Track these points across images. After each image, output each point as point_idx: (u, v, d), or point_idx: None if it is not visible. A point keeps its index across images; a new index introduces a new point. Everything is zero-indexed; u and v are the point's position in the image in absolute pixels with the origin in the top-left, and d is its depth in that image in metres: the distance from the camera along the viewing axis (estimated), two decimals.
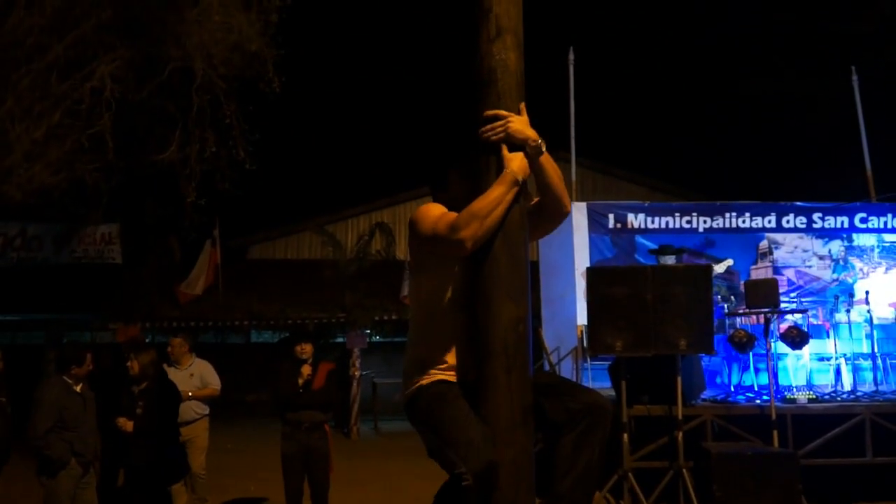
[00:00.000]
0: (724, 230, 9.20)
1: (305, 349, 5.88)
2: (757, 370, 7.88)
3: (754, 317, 7.77)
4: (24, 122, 8.70)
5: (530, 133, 2.37)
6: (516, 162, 2.33)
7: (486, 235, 2.28)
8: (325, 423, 5.95)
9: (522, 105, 2.40)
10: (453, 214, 2.36)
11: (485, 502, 2.18)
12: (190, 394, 6.13)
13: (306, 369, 5.81)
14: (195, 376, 6.41)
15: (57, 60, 8.70)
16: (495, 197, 2.29)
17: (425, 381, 2.42)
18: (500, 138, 2.35)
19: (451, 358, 2.41)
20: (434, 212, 2.43)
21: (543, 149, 2.39)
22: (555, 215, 2.54)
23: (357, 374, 14.24)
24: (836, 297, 8.80)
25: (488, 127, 2.36)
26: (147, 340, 15.42)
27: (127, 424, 5.19)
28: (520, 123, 2.36)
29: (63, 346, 6.55)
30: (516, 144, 2.36)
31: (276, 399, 6.02)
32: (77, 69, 8.85)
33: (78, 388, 5.20)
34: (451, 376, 2.40)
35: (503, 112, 2.36)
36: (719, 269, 8.91)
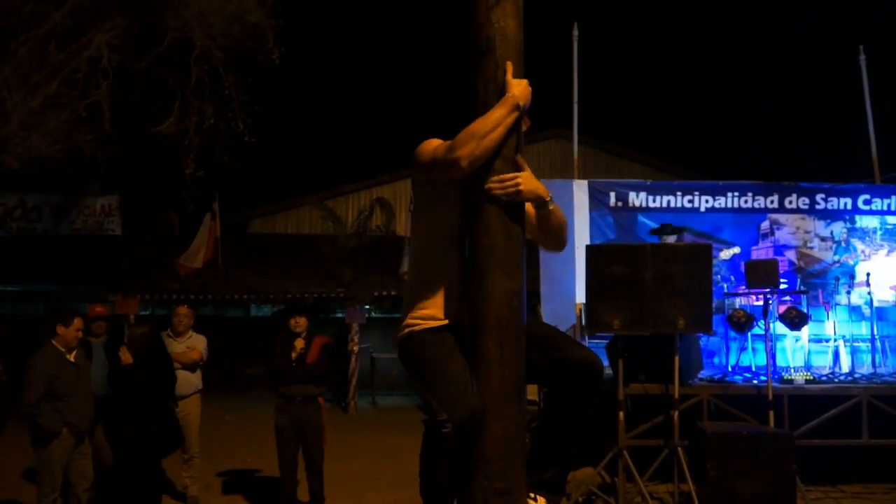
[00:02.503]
0: (725, 210, 9.13)
1: (299, 322, 5.90)
2: (755, 350, 7.86)
3: (753, 297, 7.74)
4: (22, 91, 8.61)
5: (542, 190, 2.35)
6: (519, 87, 2.29)
7: (483, 156, 2.24)
8: (319, 396, 5.96)
9: (519, 157, 2.32)
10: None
11: (466, 449, 2.19)
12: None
13: (299, 343, 5.83)
14: (190, 349, 6.40)
15: (54, 29, 8.59)
16: (495, 118, 2.24)
17: (417, 327, 2.41)
18: (510, 197, 2.28)
19: (445, 301, 2.40)
20: (434, 142, 2.42)
21: (551, 203, 2.41)
22: (550, 248, 2.62)
23: (355, 349, 14.27)
24: (837, 279, 8.76)
25: (497, 185, 2.27)
26: (147, 313, 15.46)
27: (126, 356, 5.13)
28: (529, 182, 2.30)
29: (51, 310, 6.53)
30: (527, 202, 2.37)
31: (270, 372, 6.04)
32: (75, 38, 8.74)
33: (71, 357, 5.16)
34: (443, 321, 2.39)
35: (508, 175, 2.28)
36: (725, 255, 8.86)
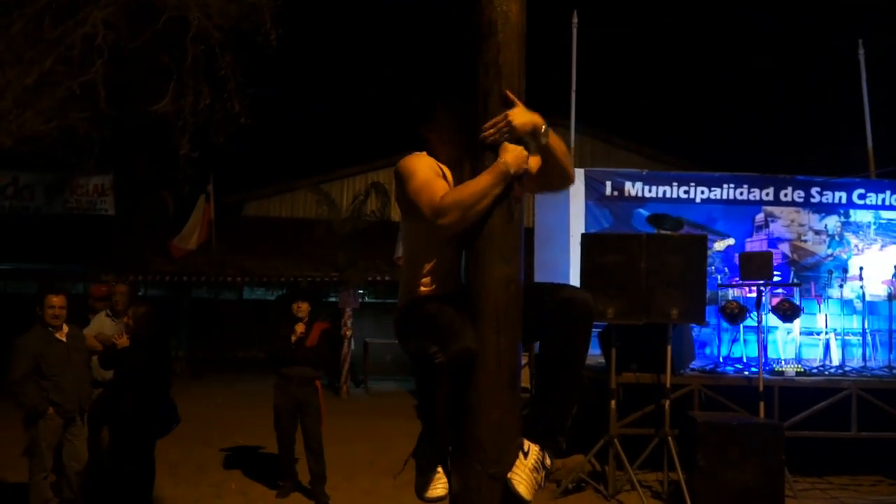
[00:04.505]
0: (721, 201, 9.15)
1: (301, 307, 6.15)
2: (746, 342, 7.90)
3: (746, 288, 7.77)
4: (16, 68, 8.52)
5: (537, 120, 2.28)
6: (511, 154, 2.23)
7: (466, 225, 2.22)
8: (317, 378, 6.19)
9: (508, 92, 2.26)
10: (440, 186, 2.28)
11: (461, 384, 2.18)
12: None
13: (300, 327, 6.07)
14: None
15: (49, 5, 8.48)
16: (483, 188, 2.20)
17: (411, 296, 2.42)
18: (505, 136, 2.24)
19: (441, 281, 2.39)
20: (421, 172, 2.33)
21: (548, 132, 2.32)
22: (559, 185, 2.53)
23: (349, 333, 14.26)
24: (830, 273, 8.80)
25: (491, 130, 2.24)
26: (140, 294, 15.40)
27: (122, 340, 5.05)
28: (521, 115, 2.25)
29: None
30: (524, 138, 2.27)
31: (270, 353, 6.34)
32: (69, 15, 8.63)
33: (61, 336, 5.11)
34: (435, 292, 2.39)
35: (498, 117, 2.24)
36: (719, 247, 8.88)
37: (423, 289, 2.40)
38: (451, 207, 2.19)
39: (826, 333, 8.21)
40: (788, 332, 8.18)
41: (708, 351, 8.27)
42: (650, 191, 9.10)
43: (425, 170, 2.35)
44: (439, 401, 2.20)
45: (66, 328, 5.19)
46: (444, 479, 2.29)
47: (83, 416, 5.27)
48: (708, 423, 5.72)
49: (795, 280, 8.50)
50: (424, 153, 2.45)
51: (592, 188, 9.06)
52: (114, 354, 5.13)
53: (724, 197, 9.16)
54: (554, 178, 2.47)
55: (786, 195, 9.20)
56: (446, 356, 2.12)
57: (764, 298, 6.93)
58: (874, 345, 8.17)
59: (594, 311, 2.38)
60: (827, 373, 7.35)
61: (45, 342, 5.03)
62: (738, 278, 7.46)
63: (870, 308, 8.24)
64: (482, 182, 2.21)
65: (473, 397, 2.20)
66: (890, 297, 8.23)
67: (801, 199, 9.20)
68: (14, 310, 6.06)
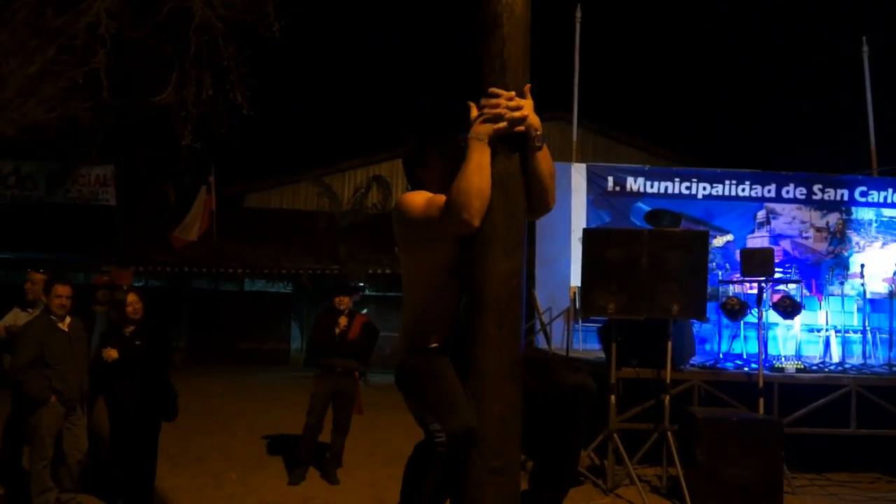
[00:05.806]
0: (723, 198, 9.15)
1: (343, 301, 6.44)
2: (747, 338, 7.91)
3: (747, 285, 7.78)
4: (18, 57, 8.51)
5: (538, 123, 2.24)
6: (477, 128, 2.20)
7: (485, 205, 2.19)
8: (357, 370, 6.49)
9: (528, 87, 2.24)
10: (441, 197, 2.26)
11: (456, 467, 2.15)
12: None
13: (343, 320, 6.36)
14: None
15: None
16: (475, 165, 2.17)
17: (414, 351, 2.39)
18: (516, 123, 2.18)
19: (442, 327, 2.36)
20: (420, 198, 2.35)
21: (544, 139, 2.26)
22: (537, 210, 2.39)
23: None
24: (831, 270, 8.81)
25: (504, 105, 2.16)
26: (141, 284, 15.43)
27: (111, 353, 5.06)
28: (532, 112, 2.22)
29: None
30: (520, 133, 2.23)
31: (312, 346, 6.62)
32: (73, 4, 8.62)
33: (63, 326, 5.13)
34: (438, 346, 2.36)
35: (519, 100, 2.18)
36: (718, 243, 8.89)
37: (423, 340, 2.38)
38: (466, 199, 2.15)
39: (826, 330, 8.23)
40: (789, 329, 8.19)
41: (708, 347, 8.28)
42: (652, 186, 9.11)
43: (424, 194, 2.37)
44: (428, 483, 2.19)
45: (68, 319, 5.21)
46: None
47: (83, 404, 5.29)
48: (707, 418, 5.73)
49: (796, 277, 8.51)
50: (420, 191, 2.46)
51: (594, 183, 9.06)
52: (105, 369, 5.12)
53: (726, 193, 9.16)
54: (533, 201, 2.34)
55: (788, 192, 9.20)
56: (447, 435, 2.10)
57: (765, 295, 6.93)
58: (874, 342, 8.19)
59: (595, 397, 2.34)
60: (827, 370, 7.37)
61: (49, 331, 5.05)
62: (738, 274, 7.47)
63: (870, 305, 8.25)
64: (472, 161, 2.17)
65: (475, 391, 2.20)
66: (891, 294, 8.24)
67: (803, 196, 9.21)
68: (15, 299, 6.04)
